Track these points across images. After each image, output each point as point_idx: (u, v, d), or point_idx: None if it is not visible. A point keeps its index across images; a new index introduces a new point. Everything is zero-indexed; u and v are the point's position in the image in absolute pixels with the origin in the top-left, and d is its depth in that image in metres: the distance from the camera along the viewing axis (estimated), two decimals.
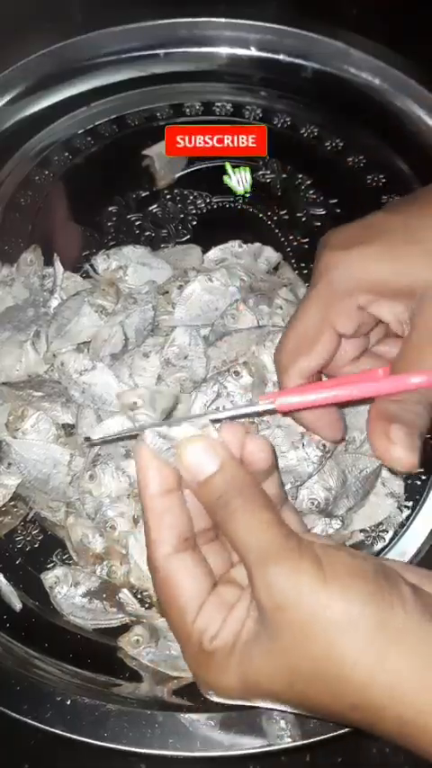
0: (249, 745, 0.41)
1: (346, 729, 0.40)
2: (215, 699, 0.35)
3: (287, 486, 0.46)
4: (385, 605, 0.31)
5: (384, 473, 0.51)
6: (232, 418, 0.38)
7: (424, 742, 0.31)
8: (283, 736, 0.41)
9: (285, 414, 0.43)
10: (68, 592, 0.47)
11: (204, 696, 0.35)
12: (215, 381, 0.48)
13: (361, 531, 0.50)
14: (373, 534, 0.50)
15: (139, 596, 0.47)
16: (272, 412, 0.40)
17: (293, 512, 0.41)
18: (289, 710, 0.35)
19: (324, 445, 0.47)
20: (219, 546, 0.38)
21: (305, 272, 0.59)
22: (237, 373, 0.48)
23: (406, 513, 0.50)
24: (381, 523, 0.50)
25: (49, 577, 0.48)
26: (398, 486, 0.51)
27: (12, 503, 0.50)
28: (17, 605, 0.48)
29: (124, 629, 0.47)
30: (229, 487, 0.34)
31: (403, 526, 0.50)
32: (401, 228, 0.40)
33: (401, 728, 0.31)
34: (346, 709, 0.32)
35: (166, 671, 0.45)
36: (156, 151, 0.66)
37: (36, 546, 0.50)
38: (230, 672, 0.33)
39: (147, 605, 0.47)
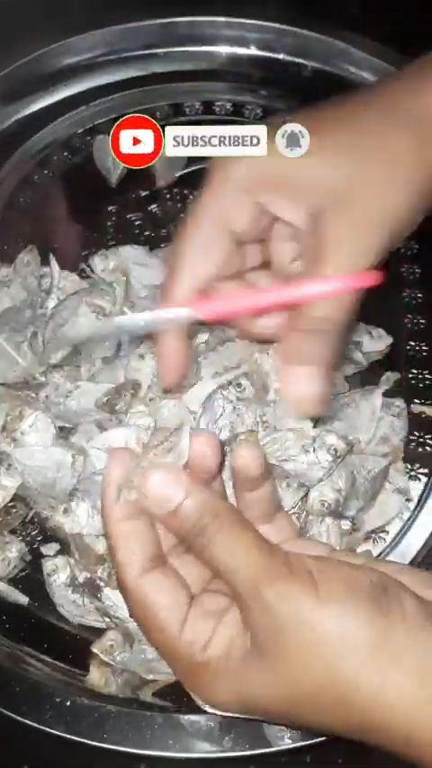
0: (249, 746, 0.41)
1: None
2: (213, 711, 0.34)
3: (295, 486, 0.46)
4: (384, 623, 0.30)
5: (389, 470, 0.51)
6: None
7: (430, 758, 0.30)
8: (284, 738, 0.41)
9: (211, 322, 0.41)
10: (63, 582, 0.47)
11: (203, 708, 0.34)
12: (219, 396, 0.48)
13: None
14: (373, 536, 0.50)
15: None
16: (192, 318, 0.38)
17: (287, 517, 0.40)
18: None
19: (335, 450, 0.47)
20: (193, 558, 0.36)
21: None
22: (239, 385, 0.48)
23: (407, 513, 0.51)
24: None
25: (48, 564, 0.48)
26: (403, 481, 0.51)
27: (11, 503, 0.50)
28: (23, 600, 0.48)
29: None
30: (202, 512, 0.33)
31: (405, 526, 0.50)
32: (312, 125, 0.38)
33: (408, 746, 0.30)
34: (352, 730, 0.31)
35: (142, 674, 0.45)
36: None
37: (35, 546, 0.50)
38: (226, 684, 0.32)
39: None
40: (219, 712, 0.34)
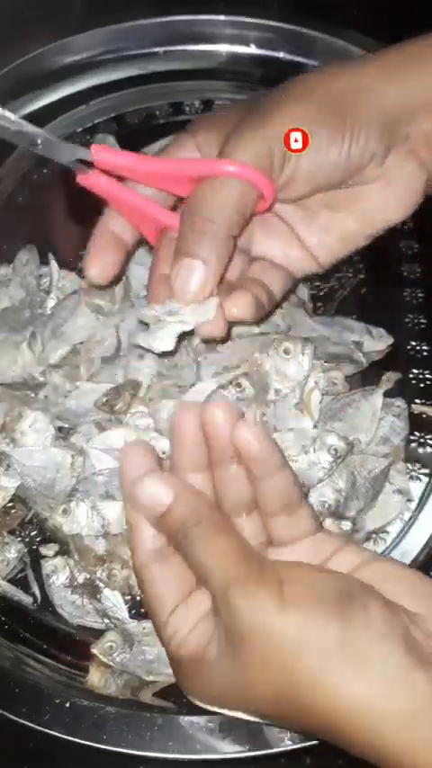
0: (249, 747, 0.41)
1: None
2: (198, 702, 0.36)
3: None
4: (344, 629, 0.31)
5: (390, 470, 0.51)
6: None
7: (388, 762, 0.31)
8: (284, 739, 0.41)
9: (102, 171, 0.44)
10: (63, 583, 0.47)
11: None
12: (219, 396, 0.48)
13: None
14: (374, 536, 0.50)
15: (130, 602, 0.47)
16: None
17: (308, 510, 0.39)
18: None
19: (336, 450, 0.47)
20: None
21: None
22: (239, 385, 0.48)
23: (408, 514, 0.50)
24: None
25: (48, 564, 0.48)
26: (404, 481, 0.51)
27: (10, 504, 0.50)
28: (27, 599, 0.48)
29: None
30: (187, 517, 0.34)
31: (405, 526, 0.50)
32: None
33: (367, 749, 0.31)
34: (315, 731, 0.33)
35: (142, 675, 0.45)
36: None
37: (34, 547, 0.50)
38: (198, 681, 0.34)
39: (134, 611, 0.47)
40: (205, 706, 0.35)
